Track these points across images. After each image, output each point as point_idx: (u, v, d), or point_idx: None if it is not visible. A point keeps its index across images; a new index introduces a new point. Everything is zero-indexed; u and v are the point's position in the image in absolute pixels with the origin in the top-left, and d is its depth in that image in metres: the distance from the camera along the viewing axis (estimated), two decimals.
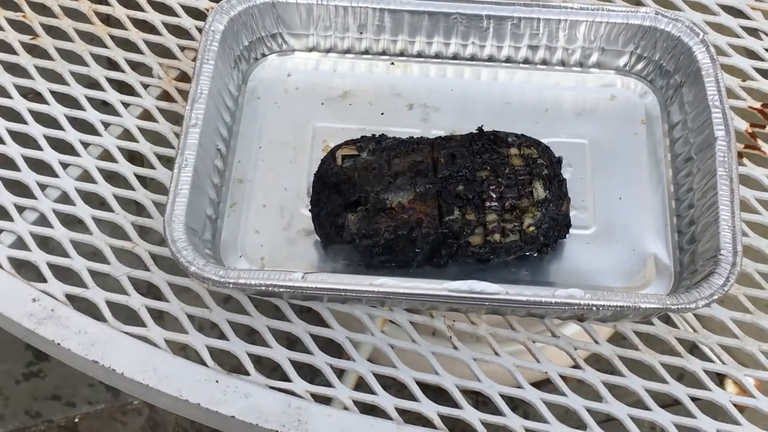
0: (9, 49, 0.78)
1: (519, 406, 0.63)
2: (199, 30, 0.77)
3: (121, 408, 1.22)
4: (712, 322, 0.66)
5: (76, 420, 1.21)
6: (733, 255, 0.60)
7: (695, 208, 0.65)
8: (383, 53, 0.75)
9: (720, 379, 0.70)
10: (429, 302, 0.62)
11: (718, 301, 0.62)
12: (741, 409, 0.63)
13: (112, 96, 0.75)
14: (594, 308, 0.58)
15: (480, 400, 0.64)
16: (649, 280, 0.65)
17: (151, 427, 1.20)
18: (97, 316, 0.65)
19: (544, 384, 0.65)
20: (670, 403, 0.63)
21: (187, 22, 0.79)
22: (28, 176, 0.71)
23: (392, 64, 0.75)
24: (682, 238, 0.66)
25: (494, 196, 0.61)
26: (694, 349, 0.66)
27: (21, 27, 0.79)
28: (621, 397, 0.63)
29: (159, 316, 0.66)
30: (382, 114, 0.73)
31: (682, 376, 0.64)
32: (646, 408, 0.62)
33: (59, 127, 0.74)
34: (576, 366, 0.64)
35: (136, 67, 0.77)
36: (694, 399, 0.63)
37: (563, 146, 0.69)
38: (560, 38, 0.73)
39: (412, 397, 0.63)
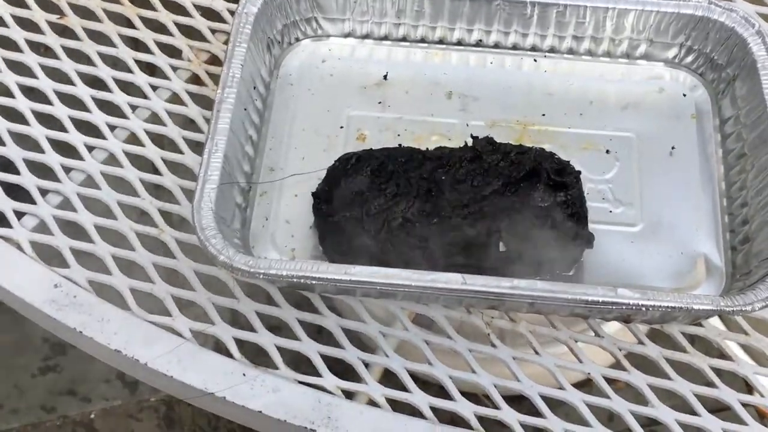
0: (36, 28, 0.76)
1: (559, 407, 0.60)
2: (231, 12, 0.75)
3: (137, 404, 1.20)
4: (763, 324, 0.63)
5: (92, 416, 1.19)
6: None
7: (749, 207, 0.63)
8: (422, 40, 0.73)
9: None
10: (469, 298, 0.59)
11: None
12: None
13: (140, 78, 0.73)
14: (643, 309, 0.56)
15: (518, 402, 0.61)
16: (698, 280, 0.62)
17: (167, 425, 1.18)
18: (121, 303, 0.63)
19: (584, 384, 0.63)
20: (719, 408, 0.60)
21: (218, 4, 0.77)
22: (52, 158, 0.69)
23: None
24: (734, 238, 0.63)
25: None
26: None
27: (48, 6, 0.77)
28: (665, 399, 0.60)
29: (184, 306, 0.63)
30: (419, 103, 0.70)
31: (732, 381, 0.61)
32: (695, 413, 0.59)
33: (85, 109, 0.71)
34: (619, 367, 0.61)
35: (165, 49, 0.75)
36: (744, 405, 0.60)
37: (609, 139, 0.67)
38: (607, 27, 0.70)
39: (446, 396, 0.60)
